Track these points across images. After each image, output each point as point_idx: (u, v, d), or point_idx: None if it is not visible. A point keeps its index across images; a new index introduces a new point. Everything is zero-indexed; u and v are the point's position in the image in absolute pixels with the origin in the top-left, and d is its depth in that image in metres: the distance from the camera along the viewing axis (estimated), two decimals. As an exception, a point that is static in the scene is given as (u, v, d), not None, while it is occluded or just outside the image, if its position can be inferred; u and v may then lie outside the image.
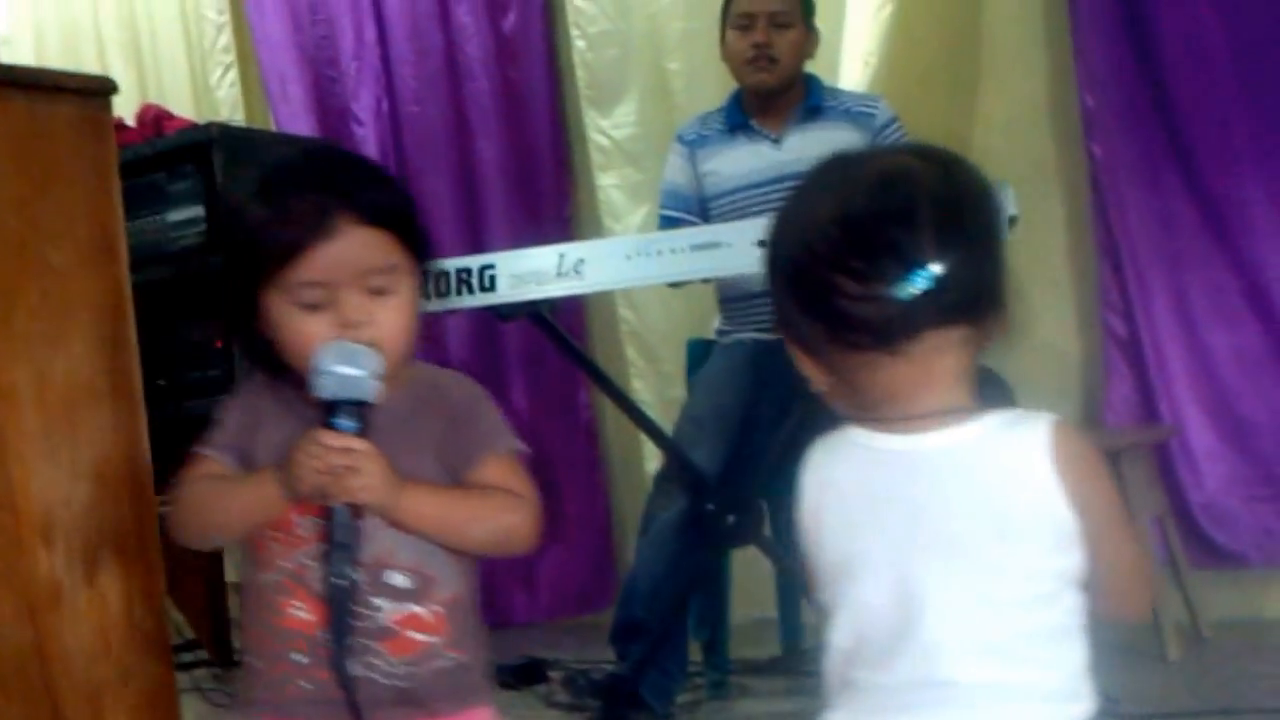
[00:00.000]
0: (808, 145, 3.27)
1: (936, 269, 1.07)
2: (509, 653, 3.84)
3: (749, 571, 3.53)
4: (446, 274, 2.85)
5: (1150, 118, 3.70)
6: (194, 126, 4.21)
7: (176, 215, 4.03)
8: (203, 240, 3.97)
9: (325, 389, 1.26)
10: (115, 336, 1.87)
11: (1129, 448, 3.42)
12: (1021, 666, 1.09)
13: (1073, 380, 3.95)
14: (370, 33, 4.86)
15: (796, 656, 3.44)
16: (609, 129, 4.45)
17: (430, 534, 1.33)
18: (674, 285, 3.40)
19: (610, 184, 4.43)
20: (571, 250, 2.88)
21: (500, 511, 1.39)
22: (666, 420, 3.46)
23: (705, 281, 3.24)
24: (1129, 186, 3.73)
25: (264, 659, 1.33)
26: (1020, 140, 3.95)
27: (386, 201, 1.33)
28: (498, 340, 4.69)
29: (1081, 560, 1.10)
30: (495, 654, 3.87)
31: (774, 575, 3.46)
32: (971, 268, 1.09)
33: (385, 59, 4.86)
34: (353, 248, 1.28)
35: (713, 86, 3.94)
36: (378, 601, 1.32)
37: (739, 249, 2.68)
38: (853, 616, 1.12)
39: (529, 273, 2.85)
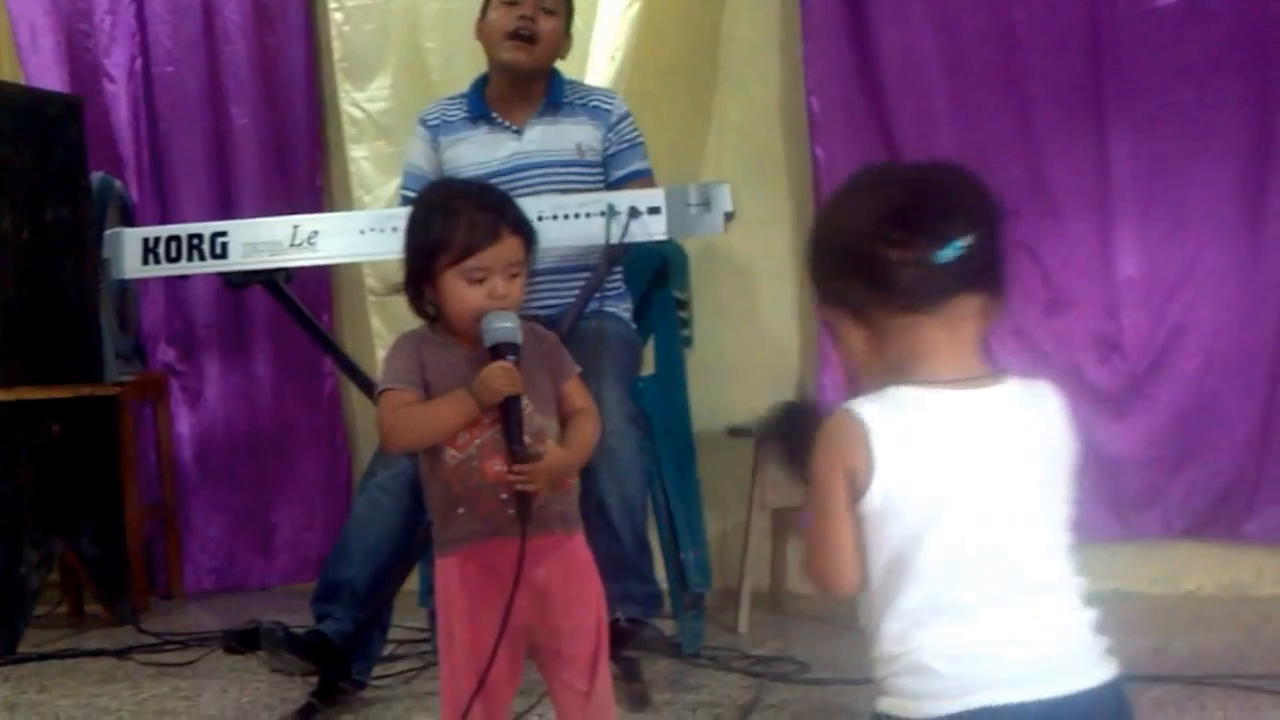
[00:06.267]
0: (548, 137, 3.36)
1: (966, 240, 1.28)
2: (240, 617, 3.89)
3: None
4: (177, 239, 2.89)
5: (869, 121, 3.97)
6: (-69, 74, 4.12)
7: (-90, 164, 3.94)
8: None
9: (496, 336, 1.90)
10: None
11: (834, 432, 3.67)
12: (1070, 569, 1.32)
13: (791, 366, 4.19)
14: (126, -11, 4.81)
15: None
16: (363, 101, 4.50)
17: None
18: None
19: (362, 156, 4.48)
20: (306, 222, 2.96)
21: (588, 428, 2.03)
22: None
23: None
24: (847, 187, 3.99)
25: (471, 504, 1.93)
26: (752, 139, 4.19)
27: (523, 220, 2.01)
28: (242, 306, 4.71)
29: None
30: (228, 618, 3.96)
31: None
32: (990, 244, 1.30)
33: (140, 17, 4.81)
34: (507, 249, 1.95)
35: (466, 66, 4.02)
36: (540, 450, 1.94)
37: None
38: (944, 546, 1.28)
39: (262, 242, 2.92)
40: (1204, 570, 3.79)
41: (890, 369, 1.33)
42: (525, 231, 2.00)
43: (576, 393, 2.05)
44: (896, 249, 1.28)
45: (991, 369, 1.34)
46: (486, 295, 1.93)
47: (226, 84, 4.74)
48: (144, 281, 4.64)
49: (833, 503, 1.31)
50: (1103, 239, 3.81)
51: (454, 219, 1.96)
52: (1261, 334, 3.71)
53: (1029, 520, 1.30)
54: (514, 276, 1.96)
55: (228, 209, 4.62)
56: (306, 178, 4.68)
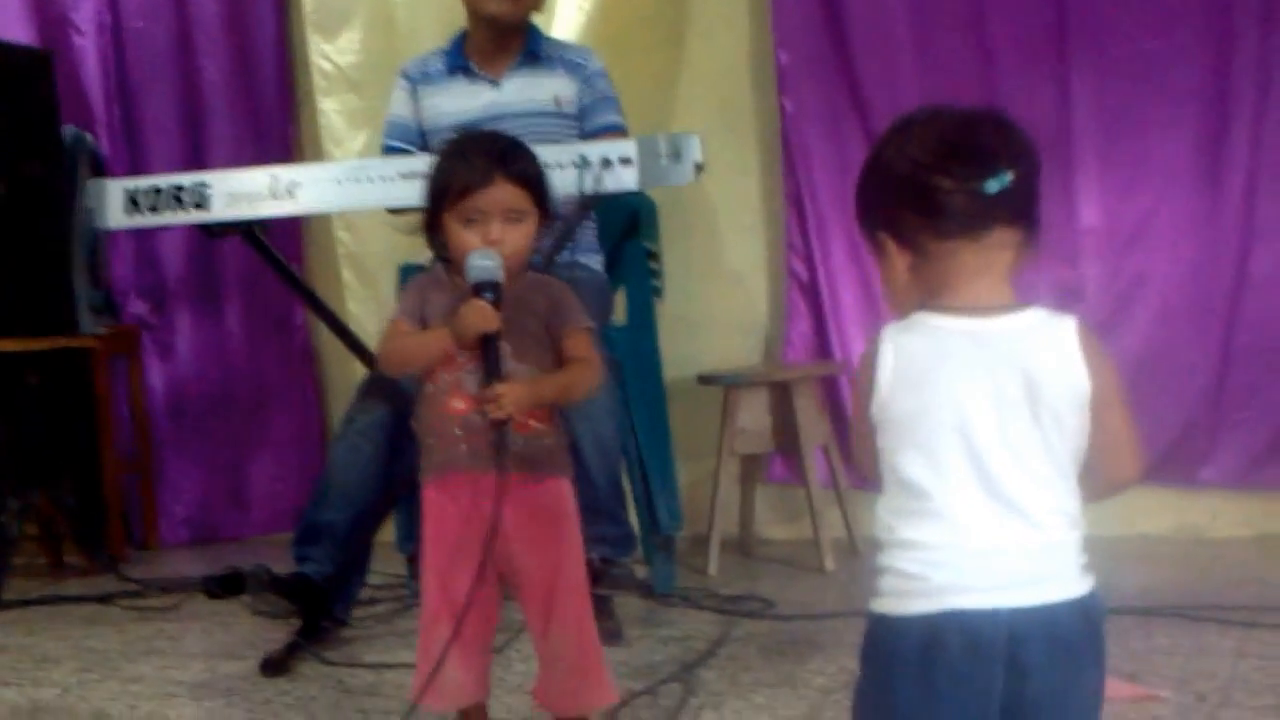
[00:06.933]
0: (525, 88, 3.44)
1: (1010, 175, 1.39)
2: (217, 566, 3.93)
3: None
4: (159, 190, 2.93)
5: (836, 74, 4.03)
6: (-102, 27, 4.11)
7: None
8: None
9: (475, 275, 1.96)
10: None
11: (800, 380, 3.76)
12: (1058, 495, 1.40)
13: (759, 318, 4.26)
14: (93, -58, 4.79)
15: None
16: (333, 54, 4.53)
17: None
18: (394, 212, 3.51)
19: (332, 109, 4.52)
20: (284, 172, 3.00)
21: (576, 373, 2.08)
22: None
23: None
24: (814, 138, 4.06)
25: (437, 436, 2.05)
26: (721, 91, 4.23)
27: (525, 168, 2.04)
28: (214, 259, 4.73)
29: (1087, 425, 1.42)
30: (205, 566, 4.03)
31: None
32: (1031, 181, 1.43)
33: (108, -31, 4.81)
34: (501, 193, 1.99)
35: (434, 20, 4.09)
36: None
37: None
38: (922, 452, 1.40)
39: (242, 193, 2.96)
40: (1158, 513, 3.85)
41: (926, 294, 1.44)
42: (526, 179, 2.04)
43: (580, 344, 2.09)
44: (948, 178, 1.40)
45: (1017, 300, 1.43)
46: (480, 238, 2.00)
47: (196, 37, 4.74)
48: (113, 235, 4.67)
49: (860, 408, 1.47)
50: (1064, 188, 3.85)
51: (457, 162, 2.04)
52: (1220, 282, 3.79)
53: (1013, 443, 1.38)
54: (513, 223, 2.01)
55: (199, 163, 4.63)
56: (277, 131, 4.70)
